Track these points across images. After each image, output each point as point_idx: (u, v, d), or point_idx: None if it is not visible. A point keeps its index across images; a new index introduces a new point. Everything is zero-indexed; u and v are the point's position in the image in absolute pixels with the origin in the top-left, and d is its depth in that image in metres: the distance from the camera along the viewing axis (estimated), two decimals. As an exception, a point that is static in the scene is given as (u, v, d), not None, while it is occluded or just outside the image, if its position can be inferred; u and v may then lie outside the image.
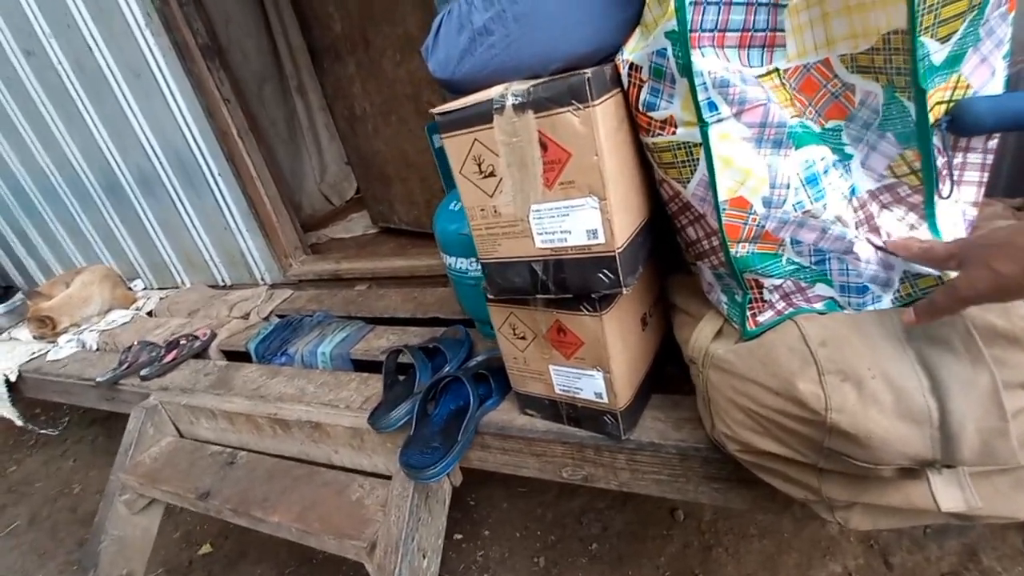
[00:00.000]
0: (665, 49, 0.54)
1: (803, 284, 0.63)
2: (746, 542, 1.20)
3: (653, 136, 0.61)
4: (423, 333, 1.28)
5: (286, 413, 1.11)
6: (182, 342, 1.48)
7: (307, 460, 1.12)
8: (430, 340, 1.13)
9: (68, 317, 1.85)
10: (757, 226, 0.59)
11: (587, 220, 0.62)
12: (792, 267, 0.62)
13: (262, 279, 1.90)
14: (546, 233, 0.65)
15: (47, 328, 1.83)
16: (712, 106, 0.54)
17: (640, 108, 0.60)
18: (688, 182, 0.60)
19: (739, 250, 0.61)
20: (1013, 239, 0.44)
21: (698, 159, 0.58)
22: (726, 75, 0.52)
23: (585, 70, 0.55)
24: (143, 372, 1.39)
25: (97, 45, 1.61)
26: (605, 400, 0.78)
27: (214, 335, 1.54)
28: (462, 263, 1.05)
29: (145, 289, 2.21)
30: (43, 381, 1.67)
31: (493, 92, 0.61)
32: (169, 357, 1.43)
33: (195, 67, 1.50)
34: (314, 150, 2.60)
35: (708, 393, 0.69)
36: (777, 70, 0.55)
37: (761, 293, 0.64)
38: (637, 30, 0.61)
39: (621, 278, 0.64)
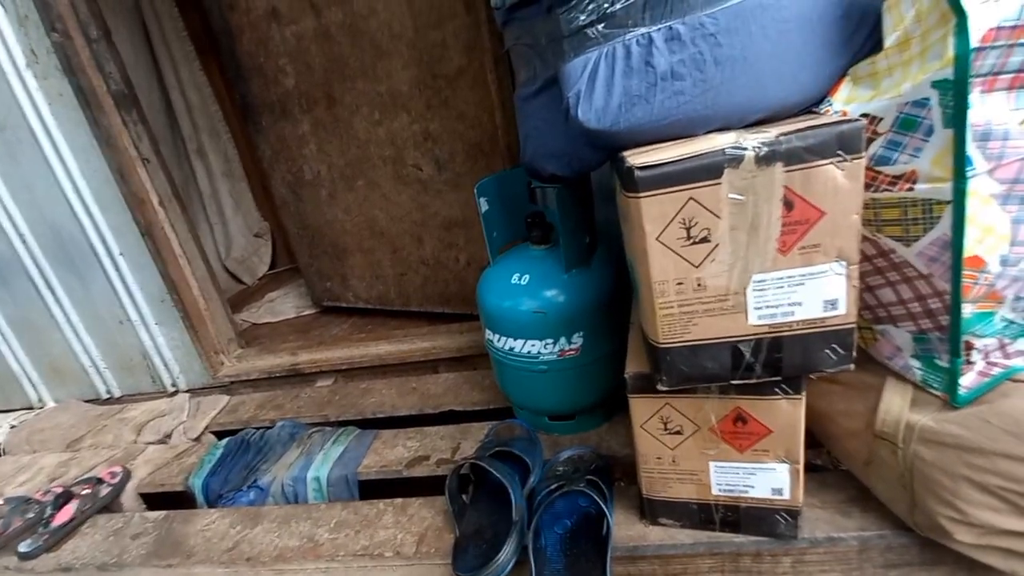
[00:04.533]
0: (927, 100, 0.49)
1: (1006, 341, 0.60)
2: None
3: (877, 191, 0.55)
4: (451, 433, 1.05)
5: (301, 578, 0.80)
6: (80, 491, 1.03)
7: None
8: (492, 444, 0.91)
9: None
10: (988, 285, 0.55)
11: (828, 289, 0.52)
12: (1003, 324, 0.59)
13: (173, 385, 1.47)
14: (767, 307, 0.54)
15: None
16: (968, 161, 0.50)
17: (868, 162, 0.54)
18: (915, 240, 0.55)
19: (964, 311, 0.56)
20: None
21: (937, 217, 0.53)
22: (988, 128, 0.49)
23: (855, 118, 0.48)
24: (22, 547, 0.92)
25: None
26: (785, 496, 0.66)
27: (128, 473, 1.11)
28: (517, 345, 0.88)
29: (-30, 415, 1.58)
30: None
31: (721, 141, 0.51)
32: (62, 517, 0.98)
33: (104, 119, 1.16)
34: (217, 221, 2.20)
35: (917, 472, 0.62)
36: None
37: (969, 354, 0.60)
38: (849, 79, 0.56)
39: (852, 352, 0.55)
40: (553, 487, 0.77)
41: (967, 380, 0.60)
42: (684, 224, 0.52)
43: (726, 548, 0.71)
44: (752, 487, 0.67)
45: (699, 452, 0.67)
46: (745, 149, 0.49)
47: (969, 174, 0.50)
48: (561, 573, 0.70)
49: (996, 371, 0.60)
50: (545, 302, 0.85)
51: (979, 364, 0.60)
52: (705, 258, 0.53)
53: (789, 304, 0.54)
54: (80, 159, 1.23)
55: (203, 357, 1.38)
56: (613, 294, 0.88)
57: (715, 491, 0.69)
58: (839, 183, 0.49)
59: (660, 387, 0.61)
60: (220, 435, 1.26)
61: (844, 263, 0.51)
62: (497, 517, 0.78)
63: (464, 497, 0.84)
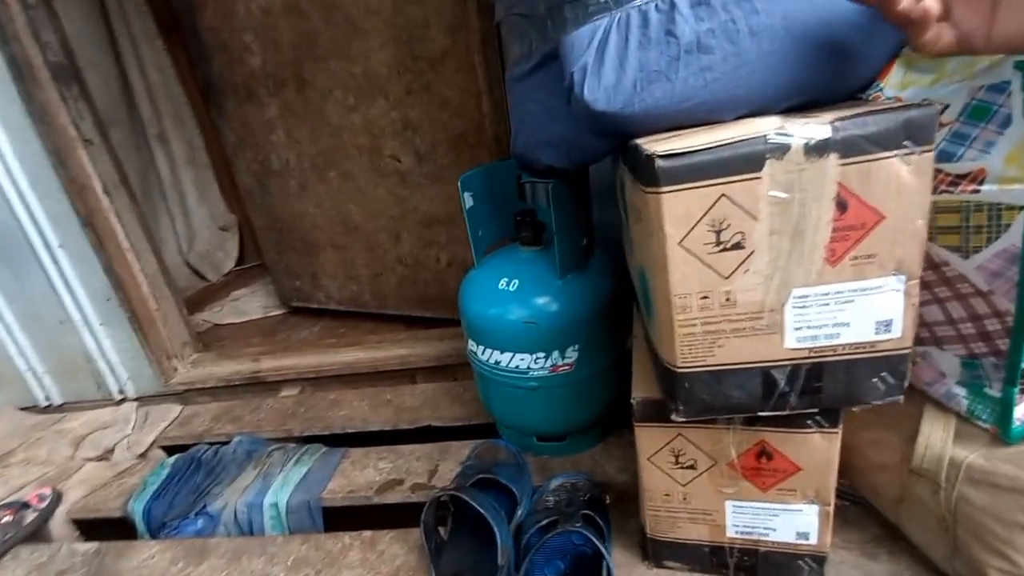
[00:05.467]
0: (1007, 84, 0.41)
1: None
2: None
3: (935, 193, 0.47)
4: (428, 453, 0.95)
5: (249, 628, 0.69)
6: (1, 517, 0.90)
7: None
8: (474, 469, 0.81)
9: None
10: (1052, 305, 0.47)
11: (882, 308, 0.44)
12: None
13: (121, 392, 1.33)
14: (808, 328, 0.45)
15: None
16: (1050, 157, 0.42)
17: (927, 158, 0.45)
18: (975, 252, 0.47)
19: (1026, 334, 0.48)
20: None
21: (1006, 225, 0.45)
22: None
23: (924, 101, 0.39)
24: (-80, 591, 0.79)
25: None
26: (812, 541, 0.58)
27: (59, 496, 0.98)
28: (504, 358, 0.78)
29: None
30: None
31: (761, 127, 0.41)
32: (-25, 550, 0.85)
33: (40, 93, 1.03)
34: (179, 212, 2.04)
35: (962, 516, 0.54)
36: None
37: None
38: (903, 60, 0.48)
39: (905, 382, 0.47)
40: (544, 522, 0.68)
41: (1022, 412, 0.52)
42: (713, 226, 0.43)
43: (739, 596, 0.63)
44: (774, 530, 0.59)
45: (715, 490, 0.59)
46: (791, 137, 0.40)
47: (1050, 173, 0.42)
48: (552, 628, 0.60)
49: (1055, 402, 0.52)
50: (536, 311, 0.75)
51: (1032, 393, 0.53)
52: (737, 268, 0.44)
53: (835, 325, 0.45)
54: (13, 139, 1.09)
55: (154, 362, 1.25)
56: (611, 302, 0.79)
57: (731, 533, 0.61)
58: (903, 180, 0.40)
59: (675, 417, 0.52)
60: (171, 451, 1.14)
61: (903, 277, 0.43)
62: (481, 558, 0.68)
63: (442, 531, 0.74)
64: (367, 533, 0.80)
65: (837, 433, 0.52)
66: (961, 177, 0.45)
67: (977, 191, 0.45)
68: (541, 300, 0.75)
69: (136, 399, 1.32)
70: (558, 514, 0.69)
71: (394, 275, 1.38)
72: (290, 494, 0.89)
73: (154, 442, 1.14)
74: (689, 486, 0.59)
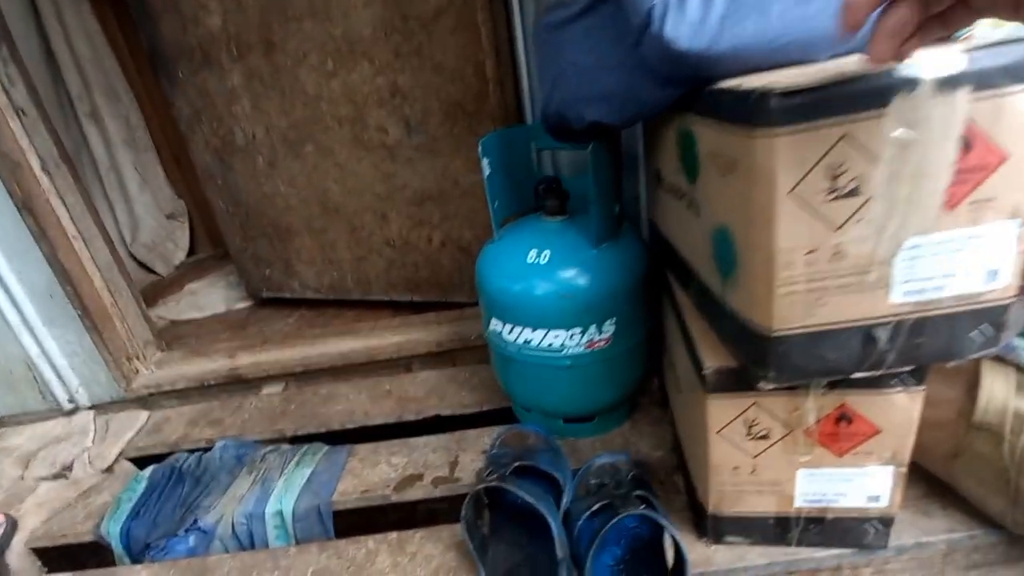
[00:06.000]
0: None
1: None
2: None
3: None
4: (444, 444, 0.89)
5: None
6: (-60, 556, 0.76)
7: None
8: (505, 456, 0.75)
9: None
10: None
11: (992, 255, 0.42)
12: None
13: (71, 401, 1.17)
14: (916, 280, 0.43)
15: None
16: None
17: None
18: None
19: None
20: None
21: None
22: None
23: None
24: None
25: None
26: (883, 503, 0.57)
27: (14, 523, 0.84)
28: (535, 337, 0.73)
29: None
30: None
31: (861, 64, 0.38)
32: (-87, 597, 0.71)
33: (-45, 51, 0.86)
34: (119, 199, 1.83)
35: (1027, 467, 0.54)
36: None
37: (1089, 332, 0.52)
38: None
39: (1003, 332, 0.45)
40: (595, 507, 0.64)
41: (1082, 360, 0.53)
42: (831, 172, 0.39)
43: (804, 566, 0.62)
44: (844, 495, 0.57)
45: (787, 459, 0.56)
46: (921, 68, 0.36)
47: None
48: (625, 620, 0.56)
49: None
50: (572, 284, 0.70)
51: (1091, 341, 0.53)
52: (850, 218, 0.41)
53: (943, 276, 0.42)
54: (-81, 108, 0.91)
55: (112, 365, 1.11)
56: (647, 271, 0.75)
57: (799, 503, 0.58)
58: (1034, 117, 0.37)
59: (762, 385, 0.48)
60: (140, 463, 1.01)
61: (1019, 222, 0.41)
62: (531, 550, 0.63)
63: (480, 525, 0.68)
64: (393, 535, 0.73)
65: (921, 392, 0.51)
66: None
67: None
68: (576, 272, 0.70)
69: (90, 407, 1.17)
70: (609, 498, 0.65)
71: (380, 258, 1.29)
72: (295, 499, 0.81)
73: (120, 454, 1.01)
74: (759, 457, 0.57)
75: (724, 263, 0.50)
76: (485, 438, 0.88)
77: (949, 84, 0.36)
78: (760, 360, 0.48)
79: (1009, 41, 0.36)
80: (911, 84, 0.37)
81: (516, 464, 0.71)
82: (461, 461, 0.84)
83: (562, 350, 0.73)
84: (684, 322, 0.63)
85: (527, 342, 0.74)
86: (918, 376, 0.50)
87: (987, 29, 0.46)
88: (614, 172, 0.72)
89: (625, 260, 0.73)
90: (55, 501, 0.90)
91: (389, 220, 1.23)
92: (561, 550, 0.59)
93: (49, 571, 0.84)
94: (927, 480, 0.67)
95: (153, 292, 1.75)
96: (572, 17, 0.58)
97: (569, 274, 0.70)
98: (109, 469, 0.99)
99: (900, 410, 0.51)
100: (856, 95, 0.37)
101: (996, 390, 0.56)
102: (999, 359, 0.57)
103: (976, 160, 0.39)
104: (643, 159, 0.87)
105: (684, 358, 0.65)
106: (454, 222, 1.17)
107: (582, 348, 0.73)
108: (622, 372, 0.78)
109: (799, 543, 0.61)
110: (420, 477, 0.82)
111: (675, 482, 0.78)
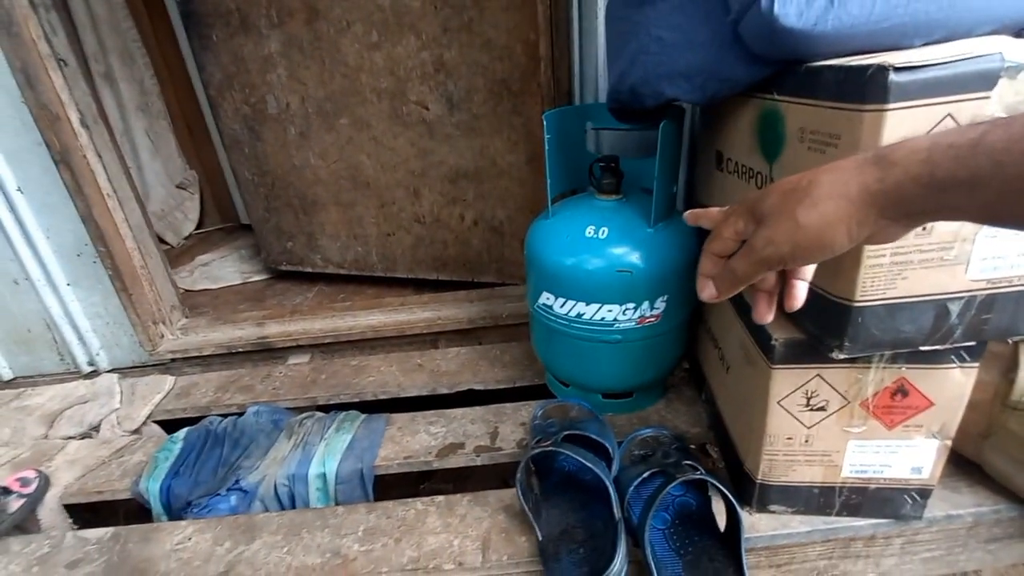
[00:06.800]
0: None
1: None
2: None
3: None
4: (482, 416, 0.90)
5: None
6: (-21, 506, 0.75)
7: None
8: (551, 427, 0.77)
9: None
10: None
11: (1065, 238, 0.45)
12: None
13: (90, 363, 1.16)
14: (995, 258, 0.46)
15: None
16: None
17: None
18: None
19: None
20: (816, 178, 0.34)
21: None
22: None
23: None
24: None
25: None
26: (923, 476, 0.60)
27: (47, 479, 0.83)
28: (588, 311, 0.75)
29: None
30: None
31: (990, 45, 0.40)
32: (-47, 545, 0.71)
33: (2, -3, 0.84)
34: (131, 164, 1.79)
35: (1064, 445, 0.58)
36: None
37: None
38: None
39: (1063, 313, 0.48)
40: (646, 475, 0.66)
41: (1117, 346, 0.56)
42: (929, 150, 0.42)
43: (842, 534, 0.65)
44: (888, 466, 0.60)
45: (840, 430, 0.59)
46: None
47: None
48: (683, 577, 0.59)
49: None
50: (628, 260, 0.72)
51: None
52: (941, 195, 0.43)
53: (1019, 254, 0.45)
54: (-44, 52, 0.89)
55: (139, 328, 1.09)
56: (696, 252, 0.77)
57: (846, 472, 0.62)
58: (1122, 106, 0.40)
59: (837, 355, 0.51)
60: (167, 426, 1.01)
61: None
62: (585, 514, 0.66)
63: (532, 488, 0.70)
64: (440, 498, 0.75)
65: (975, 368, 0.54)
66: None
67: None
68: (634, 249, 0.72)
69: (111, 371, 1.16)
70: (659, 466, 0.67)
71: (409, 235, 1.29)
72: (338, 463, 0.81)
73: (148, 416, 1.00)
74: (814, 428, 0.59)
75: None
76: (523, 411, 0.90)
77: (1049, 72, 0.39)
78: (836, 331, 0.50)
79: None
80: (1016, 69, 0.39)
81: (566, 433, 0.73)
82: (501, 432, 0.86)
83: (613, 324, 0.75)
84: (742, 297, 0.65)
85: (579, 315, 0.76)
86: (975, 353, 0.53)
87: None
88: (678, 151, 0.74)
89: (679, 240, 0.75)
90: (87, 459, 0.89)
91: (421, 197, 1.23)
92: (618, 511, 0.61)
93: (77, 525, 0.84)
94: (954, 460, 0.70)
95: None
96: (658, -6, 0.59)
97: (626, 250, 0.72)
98: (137, 431, 0.99)
99: (954, 385, 0.55)
100: (968, 75, 0.40)
101: (1034, 371, 0.60)
102: (1037, 344, 0.61)
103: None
104: (687, 144, 0.89)
105: (735, 335, 0.67)
106: (488, 201, 1.18)
107: (633, 323, 0.75)
108: (666, 349, 0.80)
109: (840, 512, 0.64)
110: (461, 446, 0.84)
111: (711, 456, 0.81)
